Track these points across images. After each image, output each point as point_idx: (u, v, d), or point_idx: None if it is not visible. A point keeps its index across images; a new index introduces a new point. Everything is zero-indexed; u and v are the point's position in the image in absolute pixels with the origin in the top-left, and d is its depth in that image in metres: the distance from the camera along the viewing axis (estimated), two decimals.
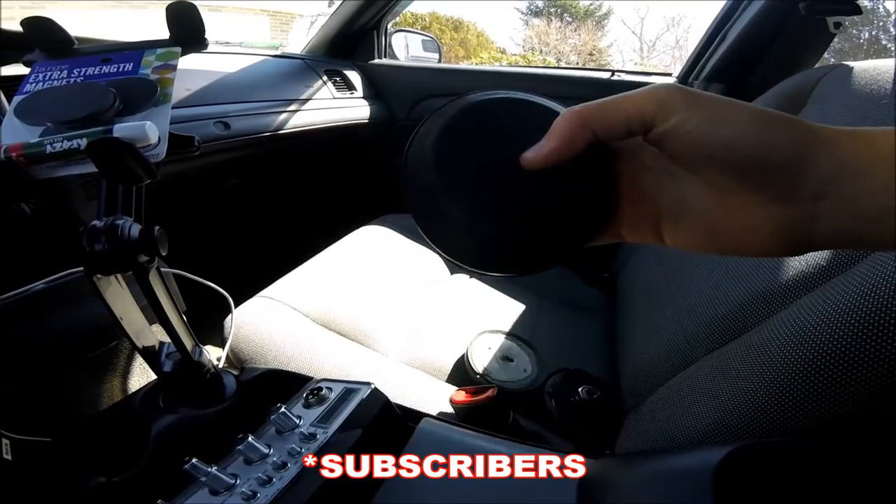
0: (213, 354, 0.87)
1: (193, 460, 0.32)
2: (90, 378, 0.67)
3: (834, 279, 0.37)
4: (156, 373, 0.46)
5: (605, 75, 1.27)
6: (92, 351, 0.65)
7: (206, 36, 0.43)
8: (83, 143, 0.30)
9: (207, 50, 1.09)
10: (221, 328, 0.67)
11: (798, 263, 0.43)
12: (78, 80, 0.39)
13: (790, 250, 0.19)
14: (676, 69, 1.28)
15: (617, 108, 0.20)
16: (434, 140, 0.22)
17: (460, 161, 0.21)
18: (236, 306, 0.69)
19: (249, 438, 0.34)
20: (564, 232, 0.21)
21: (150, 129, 0.31)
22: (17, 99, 0.38)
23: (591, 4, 12.16)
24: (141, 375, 0.72)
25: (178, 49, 0.41)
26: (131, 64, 0.40)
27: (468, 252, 0.22)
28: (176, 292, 0.71)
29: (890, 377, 0.30)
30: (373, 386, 0.40)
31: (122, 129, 0.31)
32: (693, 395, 0.45)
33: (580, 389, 0.60)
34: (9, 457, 0.51)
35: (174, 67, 0.40)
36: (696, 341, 0.50)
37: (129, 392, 0.69)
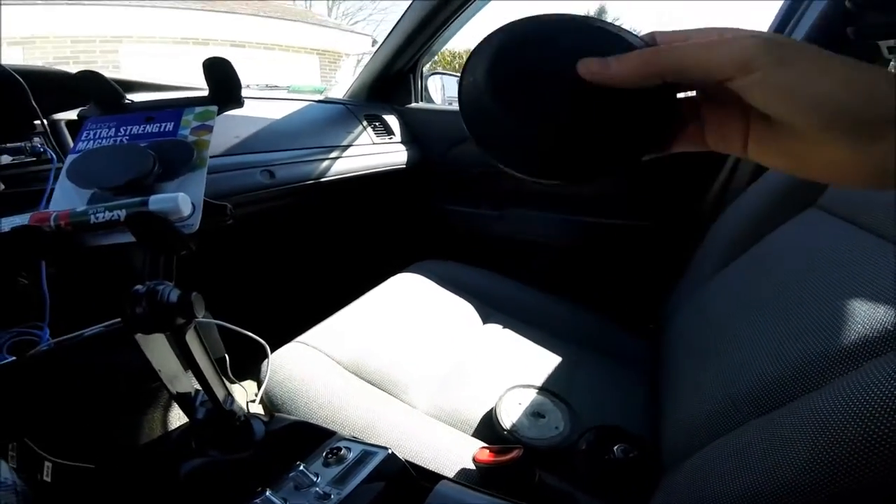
0: (251, 391, 0.90)
1: None
2: (134, 411, 0.71)
3: None
4: (189, 419, 0.48)
5: None
6: (139, 387, 0.70)
7: (242, 94, 0.45)
8: (123, 214, 0.33)
9: (257, 96, 1.15)
10: (259, 370, 0.70)
11: (861, 328, 0.40)
12: (124, 139, 0.42)
13: (877, 185, 0.19)
14: None
15: (697, 60, 0.20)
16: (492, 50, 0.22)
17: (513, 69, 0.22)
18: (275, 349, 0.72)
19: (267, 493, 0.36)
20: (611, 134, 0.21)
21: (182, 202, 0.33)
22: (70, 158, 0.41)
23: None
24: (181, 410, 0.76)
25: (215, 108, 0.44)
26: (172, 123, 0.43)
27: (514, 154, 0.22)
28: (216, 339, 0.75)
29: None
30: (389, 451, 0.40)
31: (157, 201, 0.33)
32: (734, 459, 0.42)
33: (615, 448, 0.56)
34: (48, 479, 0.54)
35: (210, 129, 0.42)
36: (743, 404, 0.47)
37: (169, 426, 0.73)
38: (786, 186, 0.71)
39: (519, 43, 0.22)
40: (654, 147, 0.22)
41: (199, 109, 0.44)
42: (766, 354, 0.48)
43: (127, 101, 0.48)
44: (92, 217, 0.33)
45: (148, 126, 0.43)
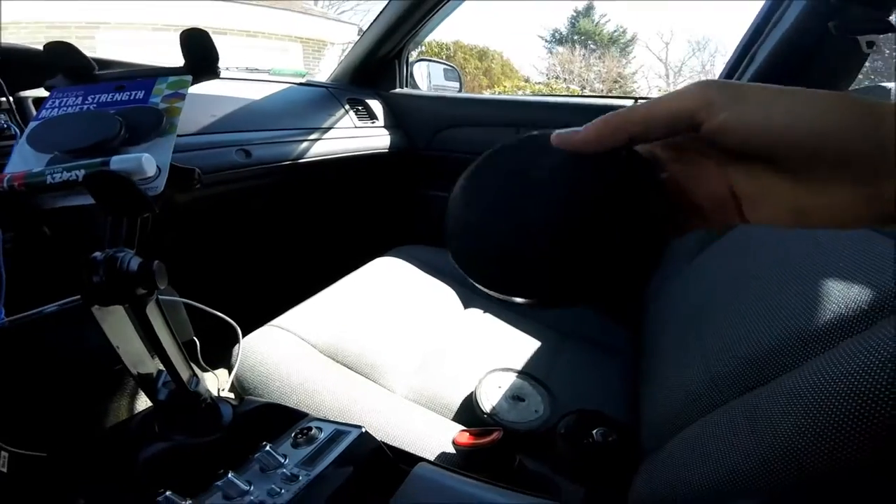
0: (222, 379, 0.87)
1: (167, 493, 0.31)
2: (98, 394, 0.68)
3: (879, 323, 0.35)
4: (151, 400, 0.46)
5: (629, 102, 1.25)
6: (104, 370, 0.67)
7: (219, 64, 0.44)
8: (81, 174, 0.30)
9: (236, 76, 1.11)
10: (231, 356, 0.67)
11: (837, 307, 0.40)
12: (91, 106, 0.40)
13: (878, 223, 0.18)
14: None
15: (659, 109, 0.20)
16: (468, 172, 0.24)
17: (487, 186, 0.22)
18: (250, 333, 0.69)
19: (230, 475, 0.34)
20: (593, 244, 0.19)
21: (146, 162, 0.31)
22: (31, 125, 0.39)
23: (615, 31, 12.28)
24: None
25: (189, 78, 0.42)
26: (143, 92, 0.41)
27: (484, 267, 0.21)
28: (185, 321, 0.72)
29: None
30: (363, 430, 0.38)
31: (119, 161, 0.31)
32: (715, 440, 0.42)
33: (595, 431, 0.56)
34: (4, 469, 0.51)
35: (183, 97, 0.41)
36: (724, 384, 0.47)
37: (135, 411, 0.70)
38: None
39: (489, 158, 0.23)
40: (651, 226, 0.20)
41: (172, 79, 0.42)
42: (745, 335, 0.48)
43: (98, 73, 0.45)
44: (49, 177, 0.31)
45: (118, 94, 0.41)
